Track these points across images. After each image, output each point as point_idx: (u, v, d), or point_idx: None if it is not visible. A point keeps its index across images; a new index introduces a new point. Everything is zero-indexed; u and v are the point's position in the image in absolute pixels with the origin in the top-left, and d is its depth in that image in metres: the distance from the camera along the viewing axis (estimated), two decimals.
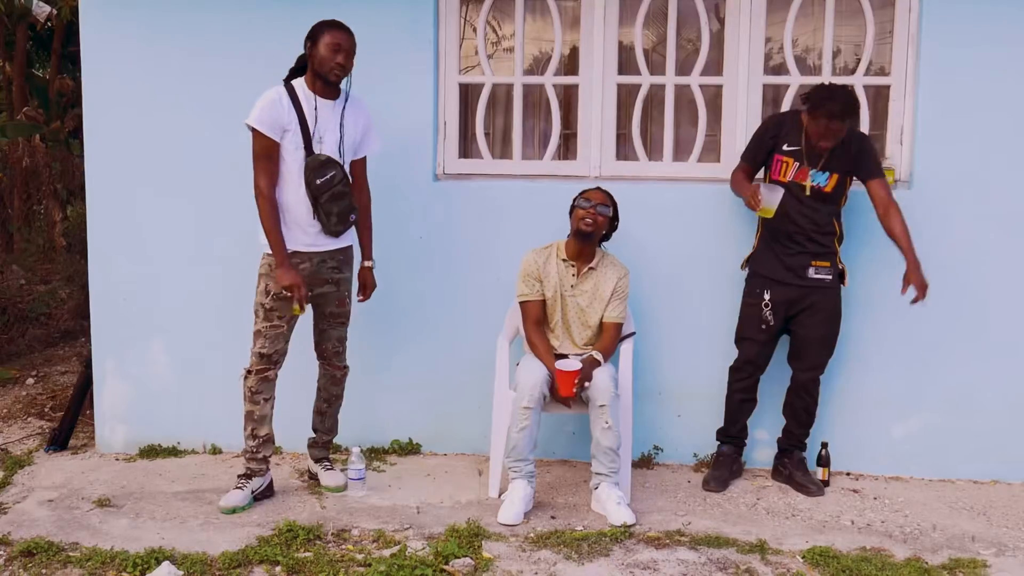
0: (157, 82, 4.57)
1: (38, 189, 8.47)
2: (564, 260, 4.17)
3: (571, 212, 4.16)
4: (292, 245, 3.88)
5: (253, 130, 3.79)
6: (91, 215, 4.69)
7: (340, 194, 3.88)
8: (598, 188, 4.18)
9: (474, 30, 4.65)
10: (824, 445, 4.31)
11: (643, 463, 4.54)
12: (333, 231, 3.92)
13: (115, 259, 4.67)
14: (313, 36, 3.84)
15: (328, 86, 3.88)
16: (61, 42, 9.36)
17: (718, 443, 4.38)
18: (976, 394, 4.37)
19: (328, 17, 3.88)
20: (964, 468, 4.41)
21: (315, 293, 4.00)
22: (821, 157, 4.02)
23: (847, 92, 3.94)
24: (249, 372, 3.96)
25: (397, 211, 4.55)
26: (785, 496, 4.15)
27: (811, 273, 4.10)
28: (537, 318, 4.17)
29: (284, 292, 3.82)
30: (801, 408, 4.26)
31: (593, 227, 4.06)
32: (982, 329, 4.34)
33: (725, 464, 4.32)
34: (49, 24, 9.48)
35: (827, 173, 4.03)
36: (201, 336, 4.66)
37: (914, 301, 3.99)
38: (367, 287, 4.21)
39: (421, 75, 4.51)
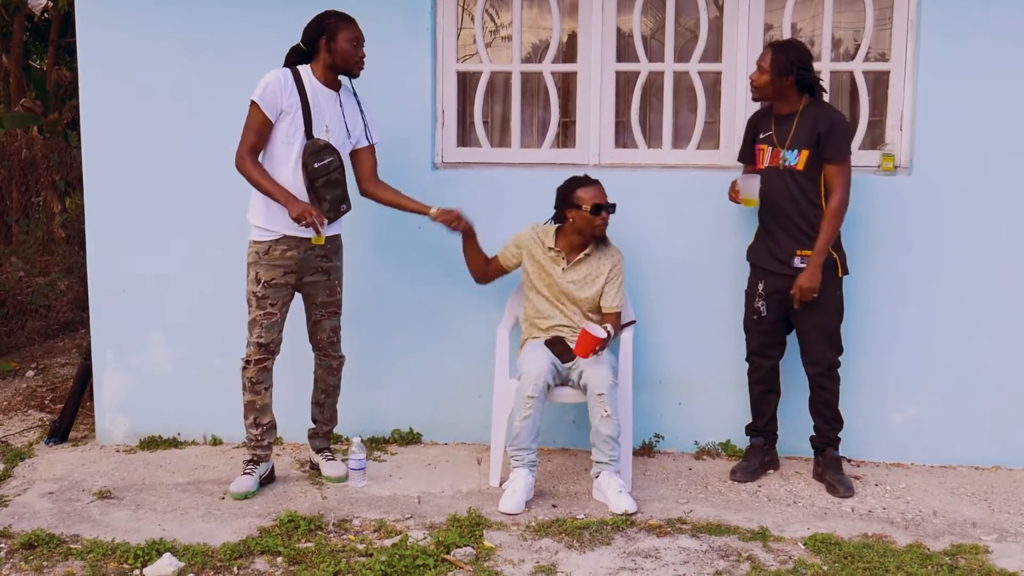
0: (155, 74, 4.56)
1: (36, 181, 8.43)
2: (551, 249, 4.16)
3: (567, 204, 4.10)
4: (282, 229, 3.87)
5: (252, 104, 3.80)
6: (89, 207, 4.68)
7: (336, 181, 3.90)
8: (597, 184, 4.12)
9: (472, 18, 4.63)
10: None
11: (644, 451, 4.54)
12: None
13: (114, 250, 4.66)
14: (329, 30, 3.85)
15: (340, 78, 3.95)
16: (58, 33, 9.31)
17: (749, 437, 4.31)
18: (977, 380, 4.37)
19: (328, 8, 3.87)
20: (965, 454, 4.41)
21: (304, 281, 4.01)
22: (787, 136, 3.97)
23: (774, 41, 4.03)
24: (248, 362, 3.97)
25: None
26: (786, 483, 4.15)
27: (796, 262, 3.99)
28: (491, 265, 4.29)
29: (301, 224, 3.73)
30: (820, 404, 4.14)
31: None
32: (982, 315, 4.33)
33: (754, 455, 4.24)
34: (46, 15, 9.45)
35: (795, 150, 3.97)
36: (201, 327, 4.66)
37: (792, 295, 3.97)
38: (457, 219, 4.14)
39: (419, 64, 4.49)
